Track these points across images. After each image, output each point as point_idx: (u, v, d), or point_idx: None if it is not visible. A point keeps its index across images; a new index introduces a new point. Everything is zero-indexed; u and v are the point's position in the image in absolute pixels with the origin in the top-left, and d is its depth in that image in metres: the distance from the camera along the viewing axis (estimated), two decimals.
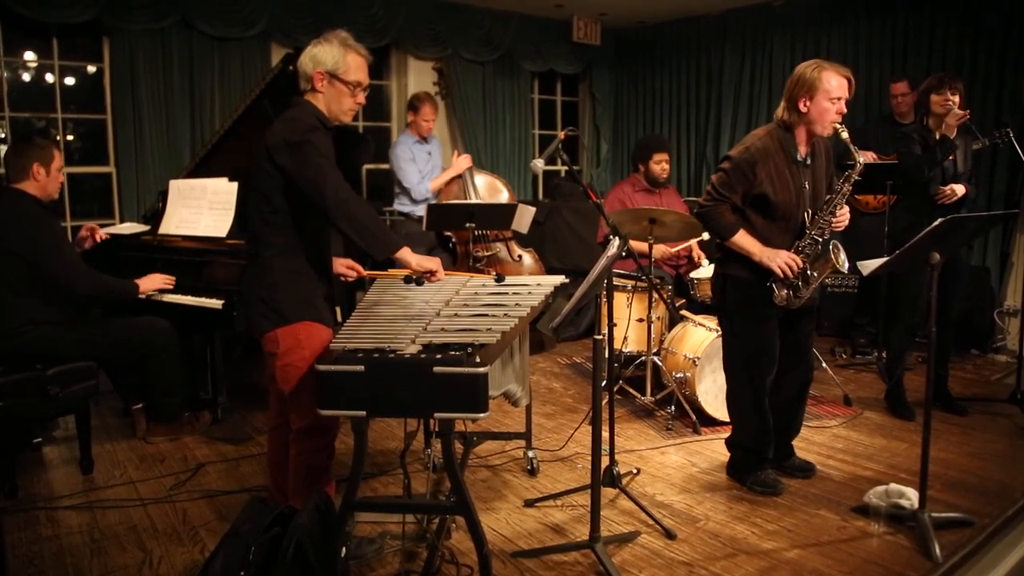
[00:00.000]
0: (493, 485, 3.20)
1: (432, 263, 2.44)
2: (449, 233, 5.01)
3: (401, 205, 5.15)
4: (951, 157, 3.73)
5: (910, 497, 2.79)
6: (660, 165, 4.87)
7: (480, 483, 3.21)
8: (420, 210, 4.79)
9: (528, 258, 5.11)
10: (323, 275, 2.52)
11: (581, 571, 2.52)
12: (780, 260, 2.87)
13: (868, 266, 2.99)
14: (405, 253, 2.37)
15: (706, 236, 4.75)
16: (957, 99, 3.69)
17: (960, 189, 3.78)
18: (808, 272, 2.90)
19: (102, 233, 3.81)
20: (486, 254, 4.98)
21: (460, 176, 5.05)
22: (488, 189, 5.08)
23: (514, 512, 2.95)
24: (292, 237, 2.40)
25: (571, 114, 8.04)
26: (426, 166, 5.13)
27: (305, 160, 2.29)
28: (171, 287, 3.73)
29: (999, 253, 5.35)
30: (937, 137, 3.72)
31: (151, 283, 3.66)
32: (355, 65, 2.42)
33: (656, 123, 7.64)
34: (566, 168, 2.79)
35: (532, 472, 3.30)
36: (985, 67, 5.23)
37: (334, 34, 2.42)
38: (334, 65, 2.39)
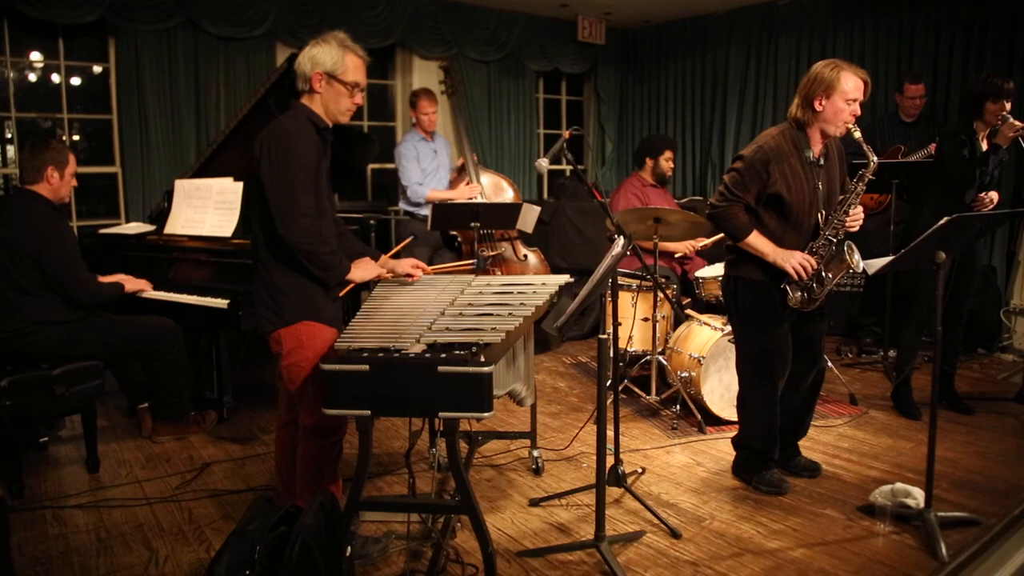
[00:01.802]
0: (498, 484, 3.20)
1: (370, 272, 2.54)
2: (455, 232, 5.01)
3: (406, 204, 5.15)
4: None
5: (916, 496, 2.78)
6: (669, 163, 4.92)
7: (485, 482, 3.21)
8: (425, 209, 4.80)
9: (533, 257, 5.11)
10: None
11: (586, 570, 2.52)
12: (794, 261, 2.85)
13: (873, 265, 2.98)
14: (352, 274, 2.49)
15: (707, 241, 4.78)
16: (1009, 105, 3.58)
17: (996, 196, 3.74)
18: (822, 273, 2.88)
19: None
20: (491, 253, 4.98)
21: (466, 175, 5.05)
22: (493, 188, 5.08)
23: (519, 511, 2.95)
24: None
25: (576, 113, 8.04)
26: (431, 164, 5.12)
27: (276, 179, 2.31)
28: (149, 287, 3.75)
29: (1005, 252, 5.34)
30: (985, 144, 3.64)
31: (133, 285, 3.68)
32: (353, 66, 2.43)
33: (661, 122, 7.63)
34: (571, 167, 2.78)
35: (537, 471, 3.30)
36: (991, 66, 5.20)
37: (332, 35, 2.43)
38: (333, 66, 2.40)
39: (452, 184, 5.11)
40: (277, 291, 2.42)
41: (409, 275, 2.72)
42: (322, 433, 2.44)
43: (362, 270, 2.53)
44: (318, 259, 2.36)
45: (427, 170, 5.08)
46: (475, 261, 2.78)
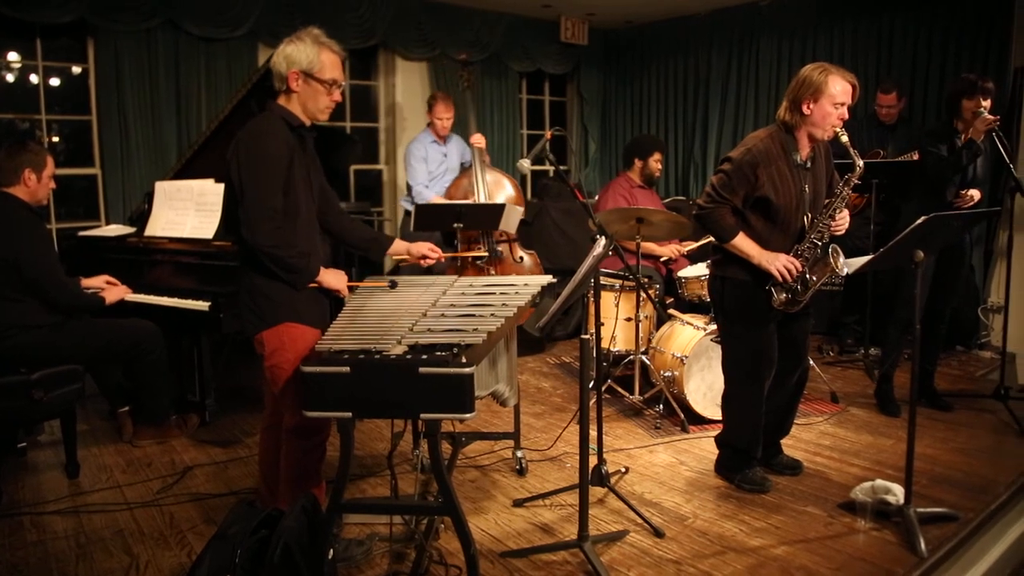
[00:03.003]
0: (482, 485, 3.20)
1: (339, 283, 2.51)
2: (456, 226, 4.97)
3: (407, 203, 5.12)
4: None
5: (896, 493, 2.81)
6: (658, 164, 4.94)
7: (469, 483, 3.21)
8: None
9: (529, 260, 5.09)
10: None
11: (570, 570, 2.53)
12: (779, 263, 2.86)
13: (853, 264, 3.01)
14: (322, 276, 2.46)
15: (694, 245, 4.80)
16: (988, 103, 3.58)
17: (976, 194, 3.76)
18: (807, 276, 2.89)
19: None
20: (486, 252, 4.96)
21: (471, 171, 5.03)
22: (494, 186, 5.05)
23: (503, 512, 2.96)
24: None
25: (559, 114, 8.05)
26: (438, 168, 5.08)
27: (243, 182, 2.30)
28: (129, 293, 3.69)
29: (983, 250, 5.40)
30: (963, 140, 3.64)
31: (113, 295, 3.61)
32: (329, 63, 2.41)
33: (644, 123, 7.66)
34: (554, 168, 2.78)
35: (521, 472, 3.30)
36: (968, 68, 5.26)
37: (306, 32, 2.41)
38: (308, 64, 2.38)
39: (454, 183, 5.08)
40: (258, 293, 2.41)
41: (425, 257, 2.74)
42: (304, 434, 2.43)
43: (332, 277, 2.50)
44: (282, 262, 2.35)
45: (434, 173, 5.05)
46: (487, 253, 2.76)
